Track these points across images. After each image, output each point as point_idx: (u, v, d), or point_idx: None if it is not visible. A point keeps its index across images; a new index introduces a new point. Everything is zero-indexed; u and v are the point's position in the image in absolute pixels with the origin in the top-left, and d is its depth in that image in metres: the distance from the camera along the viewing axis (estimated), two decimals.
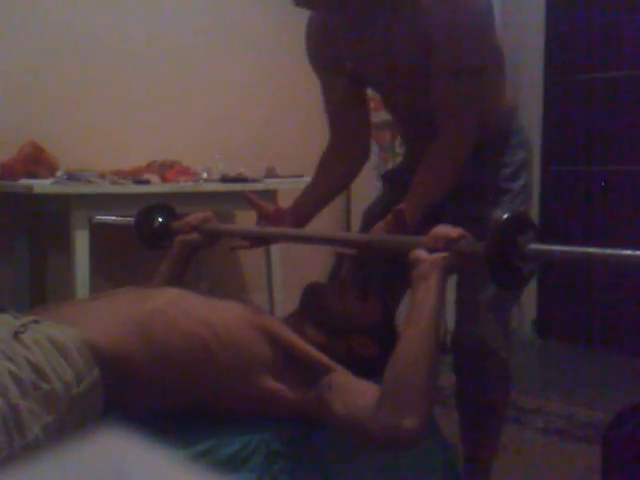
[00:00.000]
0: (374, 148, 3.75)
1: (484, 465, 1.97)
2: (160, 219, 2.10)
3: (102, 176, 2.96)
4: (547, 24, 4.30)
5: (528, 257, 1.38)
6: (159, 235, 2.08)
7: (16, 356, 1.21)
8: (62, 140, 3.22)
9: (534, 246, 1.35)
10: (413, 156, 2.06)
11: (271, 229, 1.92)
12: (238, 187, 3.31)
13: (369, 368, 1.68)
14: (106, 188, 2.87)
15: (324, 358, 1.51)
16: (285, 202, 3.64)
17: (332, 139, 2.07)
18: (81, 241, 2.79)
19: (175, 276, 1.94)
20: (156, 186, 3.05)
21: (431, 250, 1.46)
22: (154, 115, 3.56)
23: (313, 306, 1.71)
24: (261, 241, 1.98)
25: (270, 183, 3.47)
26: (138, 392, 1.38)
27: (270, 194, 3.48)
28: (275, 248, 3.53)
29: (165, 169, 3.19)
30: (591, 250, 1.34)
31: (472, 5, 1.69)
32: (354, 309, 1.72)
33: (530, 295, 4.50)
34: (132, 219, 2.17)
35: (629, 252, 1.26)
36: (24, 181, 2.86)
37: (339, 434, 1.47)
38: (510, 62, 4.28)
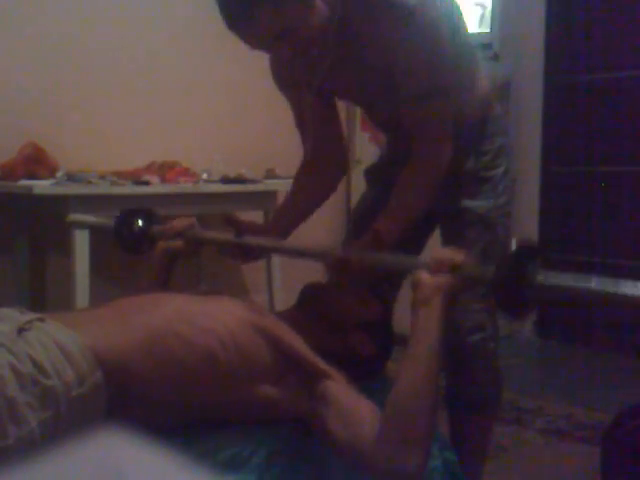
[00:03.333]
0: (373, 149, 3.74)
1: (476, 467, 1.95)
2: (140, 223, 2.04)
3: (102, 177, 2.96)
4: (547, 25, 4.30)
5: (537, 289, 1.34)
6: (138, 239, 2.03)
7: (18, 350, 1.22)
8: (62, 141, 3.22)
9: (544, 278, 1.31)
10: (394, 149, 2.05)
11: (256, 239, 1.88)
12: (238, 188, 3.32)
13: (366, 366, 1.68)
14: (106, 189, 2.87)
15: (322, 364, 1.50)
16: None
17: (306, 156, 2.04)
18: (81, 242, 2.79)
19: (160, 285, 1.90)
20: (156, 187, 3.05)
21: (434, 273, 1.43)
22: (154, 116, 3.57)
23: (311, 304, 1.71)
24: (249, 256, 1.93)
25: (270, 184, 3.48)
26: (140, 400, 1.37)
27: (270, 195, 3.49)
28: None
29: (165, 170, 3.19)
30: (606, 288, 1.27)
31: (426, 21, 1.63)
32: (352, 307, 1.72)
33: None
34: (111, 223, 2.12)
35: None
36: (24, 182, 2.86)
37: (332, 452, 1.45)
38: (510, 63, 4.29)
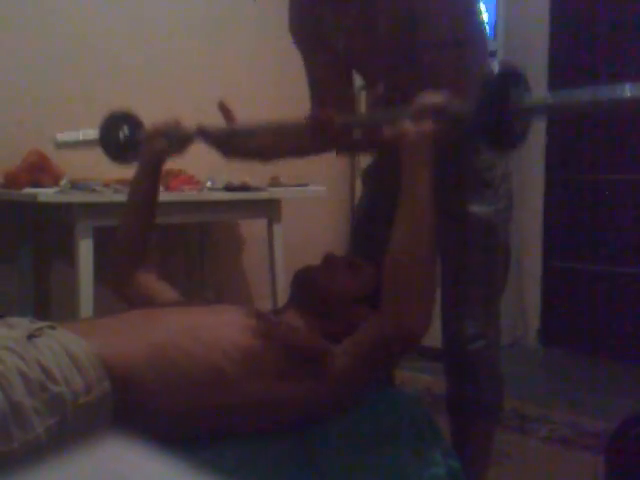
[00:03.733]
0: None
1: (479, 474, 1.95)
2: (126, 130, 2.00)
3: (106, 185, 2.97)
4: (551, 32, 4.31)
5: (523, 112, 1.31)
6: (125, 147, 1.99)
7: (28, 356, 1.21)
8: (66, 149, 3.23)
9: (528, 99, 1.28)
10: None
11: (239, 124, 1.85)
12: (242, 196, 3.32)
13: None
14: (110, 197, 2.88)
15: (326, 347, 1.51)
16: (289, 211, 3.67)
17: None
18: (85, 250, 2.80)
19: (149, 191, 1.89)
20: (160, 195, 3.04)
21: (418, 121, 1.41)
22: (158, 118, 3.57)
23: (306, 290, 1.70)
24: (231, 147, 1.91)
25: (274, 192, 3.48)
26: (146, 410, 1.36)
27: (274, 203, 3.49)
28: (280, 257, 3.54)
29: (169, 178, 3.20)
30: (596, 95, 1.24)
31: None
32: (346, 282, 1.69)
33: (534, 304, 4.50)
34: (96, 135, 2.08)
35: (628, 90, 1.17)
36: (28, 190, 2.87)
37: (360, 384, 1.48)
38: None
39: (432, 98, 1.44)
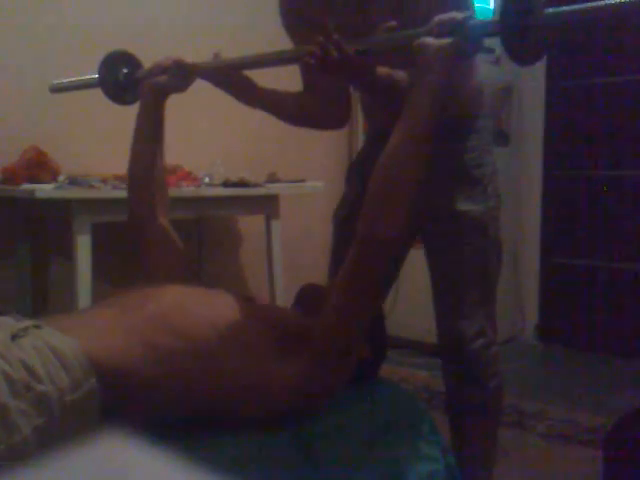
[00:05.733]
0: None
1: (482, 474, 1.94)
2: (125, 70, 1.97)
3: (104, 181, 2.96)
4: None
5: (546, 21, 1.30)
6: (126, 87, 1.96)
7: (11, 357, 1.20)
8: (64, 145, 3.23)
9: (551, 9, 1.27)
10: (376, 128, 2.02)
11: (236, 58, 1.82)
12: (240, 192, 3.32)
13: (363, 369, 1.68)
14: (108, 193, 2.88)
15: (308, 322, 1.51)
16: (287, 207, 3.67)
17: (305, 88, 1.98)
18: (83, 246, 2.79)
19: (154, 127, 1.87)
20: None
21: (437, 36, 1.40)
22: None
23: (309, 307, 1.71)
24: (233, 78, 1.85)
25: (272, 188, 3.48)
26: (140, 402, 1.36)
27: (272, 199, 3.49)
28: (278, 253, 3.54)
29: (167, 174, 3.19)
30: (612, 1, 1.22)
31: None
32: None
33: (532, 300, 4.50)
34: (95, 76, 2.03)
35: None
36: (26, 186, 2.87)
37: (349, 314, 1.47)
38: (512, 67, 4.29)
39: (452, 14, 1.42)
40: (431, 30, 1.42)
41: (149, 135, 1.87)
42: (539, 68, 4.33)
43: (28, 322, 1.33)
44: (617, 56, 4.12)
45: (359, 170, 2.03)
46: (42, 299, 3.34)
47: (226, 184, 3.33)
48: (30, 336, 1.28)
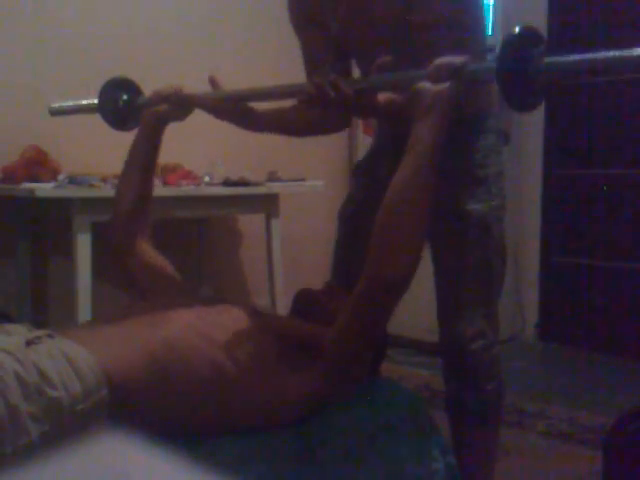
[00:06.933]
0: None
1: (484, 475, 1.93)
2: (125, 97, 1.97)
3: (104, 180, 2.96)
4: (549, 29, 4.30)
5: (544, 70, 1.29)
6: (125, 114, 1.96)
7: (26, 360, 1.20)
8: (64, 144, 3.23)
9: (550, 58, 1.27)
10: (383, 133, 2.02)
11: (236, 90, 1.82)
12: (240, 191, 3.32)
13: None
14: (108, 192, 2.87)
15: (321, 333, 1.51)
16: (287, 206, 3.67)
17: None
18: (83, 245, 2.79)
19: (149, 156, 1.85)
20: (158, 190, 3.02)
21: (435, 81, 1.40)
22: None
23: (305, 312, 1.70)
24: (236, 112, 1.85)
25: (272, 187, 3.48)
26: (149, 417, 1.34)
27: (272, 198, 3.49)
28: (278, 252, 3.54)
29: (167, 173, 3.19)
30: (613, 54, 1.24)
31: None
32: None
33: (532, 299, 4.50)
34: (94, 101, 2.03)
35: None
36: (26, 185, 2.87)
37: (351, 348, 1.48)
38: None
39: (450, 59, 1.42)
40: (429, 74, 1.42)
41: (144, 164, 1.87)
42: None
43: (41, 332, 1.33)
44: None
45: (368, 168, 2.03)
46: (42, 298, 3.34)
47: (226, 183, 3.33)
48: (45, 343, 1.28)
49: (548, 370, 4.07)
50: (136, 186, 1.84)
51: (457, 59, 1.41)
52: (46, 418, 1.17)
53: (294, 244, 4.02)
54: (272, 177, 3.63)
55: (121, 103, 1.97)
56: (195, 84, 1.91)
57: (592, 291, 4.28)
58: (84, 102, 2.18)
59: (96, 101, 2.04)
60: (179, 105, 1.85)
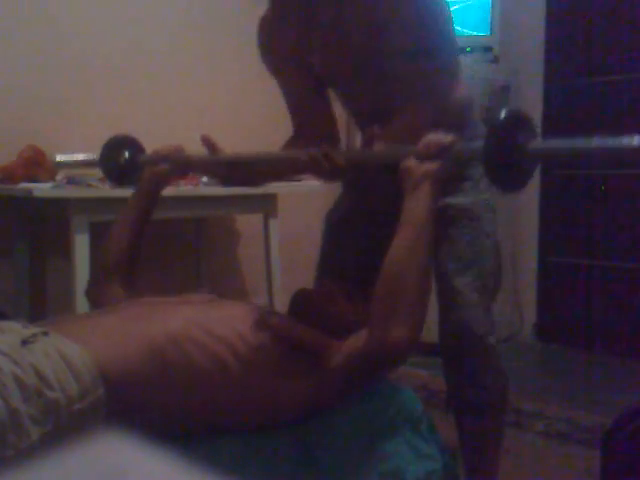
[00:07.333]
0: None
1: (490, 470, 1.94)
2: (127, 154, 2.01)
3: (102, 180, 2.96)
4: (547, 28, 4.30)
5: (530, 155, 1.32)
6: (126, 170, 2.00)
7: (23, 362, 1.19)
8: (62, 144, 3.22)
9: (535, 143, 1.30)
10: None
11: (236, 155, 1.87)
12: (238, 191, 3.31)
13: None
14: (106, 192, 2.87)
15: (327, 343, 1.51)
16: (285, 205, 3.67)
17: (297, 132, 2.01)
18: (81, 245, 2.79)
19: (144, 212, 1.88)
20: None
21: (423, 159, 1.43)
22: (154, 119, 3.57)
23: (303, 312, 1.70)
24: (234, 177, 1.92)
25: (270, 187, 3.47)
26: (143, 415, 1.34)
27: (270, 197, 3.49)
28: (276, 252, 3.54)
29: None
30: (594, 143, 1.27)
31: None
32: (342, 312, 1.71)
33: (530, 299, 4.50)
34: (96, 157, 2.08)
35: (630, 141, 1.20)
36: (24, 185, 2.86)
37: (348, 389, 1.50)
38: (510, 66, 4.30)
39: (438, 137, 1.45)
40: (418, 151, 1.44)
41: (139, 217, 1.89)
42: (537, 67, 4.33)
43: (36, 329, 1.33)
44: (615, 55, 4.12)
45: (355, 179, 2.04)
46: (40, 298, 3.34)
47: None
48: (40, 342, 1.27)
49: (546, 370, 4.07)
50: (127, 240, 1.86)
51: (445, 138, 1.44)
52: (45, 419, 1.17)
53: (292, 244, 4.02)
54: None
55: (122, 160, 2.02)
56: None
57: (590, 291, 4.28)
58: (87, 157, 2.31)
59: (97, 157, 2.11)
60: (178, 165, 1.89)
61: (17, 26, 3.20)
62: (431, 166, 1.42)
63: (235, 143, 3.69)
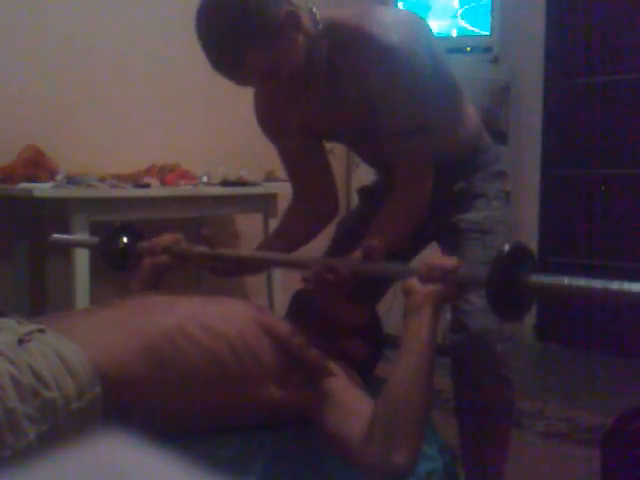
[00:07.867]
0: None
1: (496, 474, 1.93)
2: (125, 240, 2.04)
3: (102, 180, 2.96)
4: (547, 28, 4.30)
5: (531, 290, 1.35)
6: (124, 256, 2.03)
7: (19, 361, 1.19)
8: (62, 144, 3.22)
9: (537, 279, 1.33)
10: (384, 181, 2.08)
11: (237, 252, 1.92)
12: (238, 191, 3.32)
13: (360, 368, 1.68)
14: (106, 192, 2.87)
15: (325, 362, 1.50)
16: (285, 205, 3.66)
17: (297, 196, 2.06)
18: None
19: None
20: (156, 190, 3.04)
21: (425, 280, 1.43)
22: (154, 119, 3.57)
23: (302, 313, 1.70)
24: (237, 270, 1.94)
25: (270, 187, 3.48)
26: (140, 411, 1.34)
27: (270, 197, 3.49)
28: None
29: (165, 173, 3.19)
30: (597, 284, 1.27)
31: (406, 58, 1.63)
32: (342, 314, 1.71)
33: None
34: (96, 239, 2.13)
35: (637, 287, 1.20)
36: (24, 185, 2.86)
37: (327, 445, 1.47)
38: (510, 66, 4.30)
39: (441, 261, 1.46)
40: (420, 273, 1.44)
41: None
42: (537, 67, 4.33)
43: (32, 326, 1.32)
44: (615, 55, 4.12)
45: (370, 192, 2.12)
46: (40, 298, 3.34)
47: (224, 183, 3.33)
48: (37, 341, 1.27)
49: (546, 370, 4.07)
50: None
51: (449, 262, 1.44)
52: (43, 419, 1.17)
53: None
54: (270, 177, 3.63)
55: (121, 246, 2.04)
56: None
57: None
58: (86, 239, 2.36)
59: (97, 239, 2.16)
60: (176, 256, 1.91)
61: (17, 27, 3.20)
62: (433, 289, 1.42)
63: (237, 150, 3.69)
